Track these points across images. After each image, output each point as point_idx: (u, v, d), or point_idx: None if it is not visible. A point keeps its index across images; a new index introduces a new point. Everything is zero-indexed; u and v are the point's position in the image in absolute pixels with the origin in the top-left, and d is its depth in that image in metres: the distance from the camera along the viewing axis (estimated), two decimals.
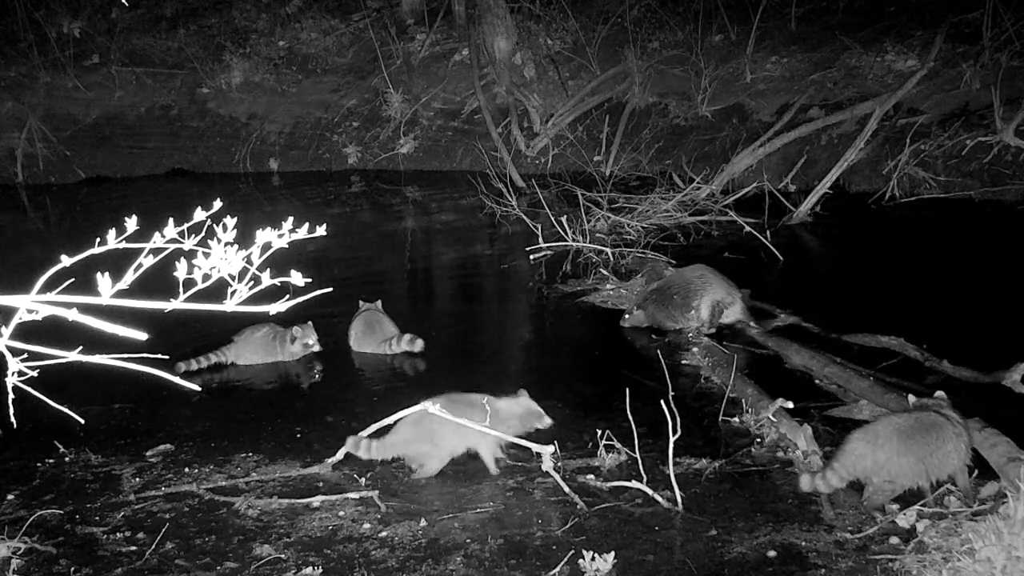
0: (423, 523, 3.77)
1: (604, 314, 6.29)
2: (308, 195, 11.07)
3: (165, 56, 13.22)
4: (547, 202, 8.37)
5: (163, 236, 1.69)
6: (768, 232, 7.42)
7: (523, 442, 4.00)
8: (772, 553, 3.41)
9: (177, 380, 1.89)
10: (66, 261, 1.65)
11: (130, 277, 1.64)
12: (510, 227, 8.57)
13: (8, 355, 1.70)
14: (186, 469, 4.42)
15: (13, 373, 1.73)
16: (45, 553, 3.69)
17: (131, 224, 1.69)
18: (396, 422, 4.19)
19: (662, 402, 3.94)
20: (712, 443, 4.38)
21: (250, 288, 1.70)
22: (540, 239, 7.48)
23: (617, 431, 4.25)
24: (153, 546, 3.68)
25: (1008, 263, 6.57)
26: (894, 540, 3.42)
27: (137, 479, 4.34)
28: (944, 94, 8.99)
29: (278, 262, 1.76)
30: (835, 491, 3.76)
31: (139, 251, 1.66)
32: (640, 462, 3.97)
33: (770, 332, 5.62)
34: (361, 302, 6.13)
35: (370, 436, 4.26)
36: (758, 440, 4.35)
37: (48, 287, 1.66)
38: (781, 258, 7.05)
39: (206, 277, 1.68)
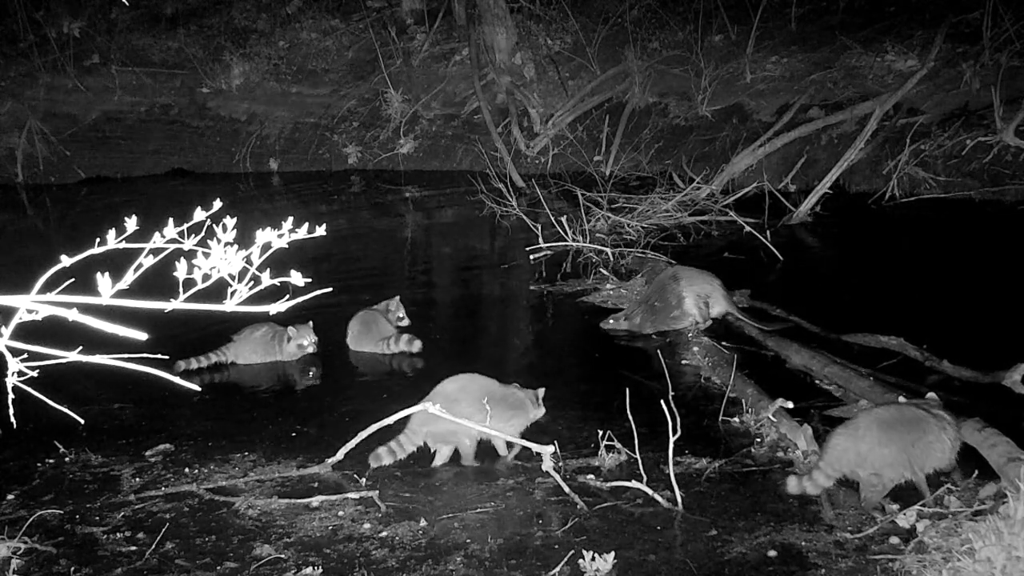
0: (423, 523, 3.77)
1: (604, 314, 6.29)
2: (308, 195, 11.07)
3: (165, 56, 13.22)
4: (547, 202, 8.37)
5: (163, 236, 1.69)
6: (768, 232, 7.42)
7: (523, 442, 4.00)
8: (772, 553, 3.41)
9: (177, 380, 1.89)
10: (66, 261, 1.65)
11: (130, 277, 1.64)
12: (510, 227, 8.57)
13: (8, 355, 1.70)
14: (186, 469, 4.42)
15: (13, 373, 1.73)
16: (45, 553, 3.69)
17: (131, 224, 1.69)
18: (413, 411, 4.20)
19: (662, 402, 3.94)
20: (712, 443, 4.38)
21: (250, 288, 1.70)
22: (540, 239, 7.48)
23: (617, 431, 4.25)
24: (153, 546, 3.68)
25: (1008, 263, 6.57)
26: (894, 540, 3.42)
27: (137, 479, 4.34)
28: (944, 94, 8.99)
29: (278, 262, 1.76)
30: (824, 491, 3.76)
31: (139, 251, 1.67)
32: (640, 462, 3.97)
33: (768, 330, 5.61)
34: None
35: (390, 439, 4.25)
36: (758, 440, 4.35)
37: (48, 287, 1.66)
38: (781, 258, 7.06)
39: (206, 277, 1.68)
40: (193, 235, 1.70)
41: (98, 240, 1.69)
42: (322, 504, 3.98)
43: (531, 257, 7.48)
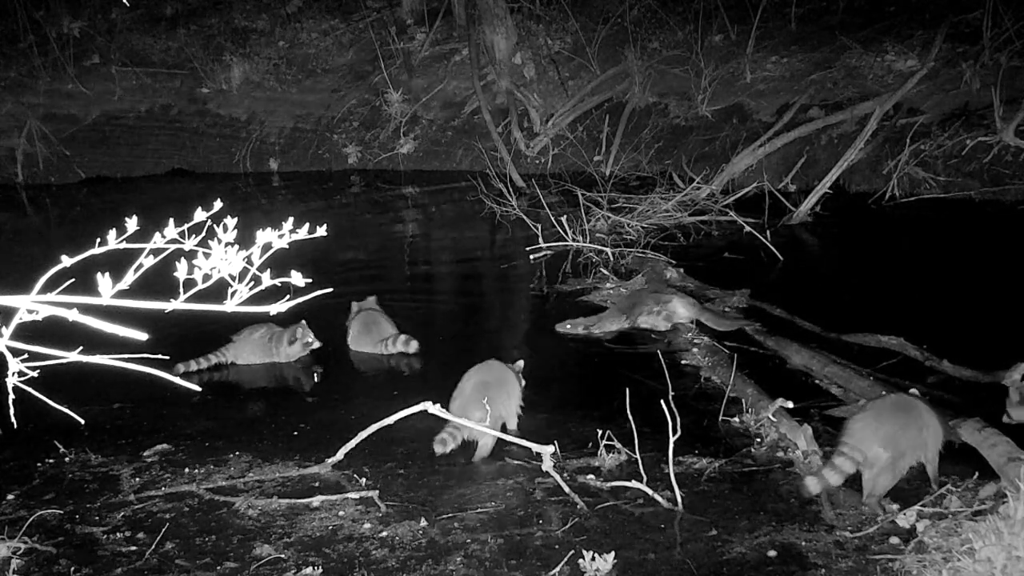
0: (423, 523, 3.77)
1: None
2: (308, 195, 11.07)
3: (165, 56, 13.22)
4: (547, 202, 8.37)
5: (163, 236, 1.69)
6: (768, 232, 7.43)
7: (523, 442, 4.00)
8: (772, 553, 3.41)
9: (177, 380, 1.89)
10: (66, 261, 1.65)
11: (130, 277, 1.64)
12: (510, 227, 8.57)
13: (8, 355, 1.70)
14: (186, 469, 4.42)
15: (13, 373, 1.73)
16: (45, 553, 3.69)
17: (131, 224, 1.69)
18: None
19: (662, 402, 3.94)
20: (712, 443, 4.38)
21: (250, 288, 1.70)
22: (540, 239, 7.48)
23: (617, 431, 4.25)
24: (153, 546, 3.68)
25: (1008, 263, 6.57)
26: (894, 540, 3.42)
27: (137, 479, 4.34)
28: (944, 94, 8.99)
29: (278, 262, 1.76)
30: (845, 480, 3.75)
31: (139, 251, 1.67)
32: (640, 462, 3.98)
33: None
34: (354, 304, 6.15)
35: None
36: (758, 440, 4.35)
37: (48, 287, 1.66)
38: (781, 258, 7.06)
39: (206, 277, 1.68)
40: (194, 235, 1.70)
41: (98, 240, 1.69)
42: (322, 504, 3.98)
43: (531, 257, 7.48)
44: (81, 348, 1.73)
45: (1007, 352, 4.73)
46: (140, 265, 1.64)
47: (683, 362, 5.38)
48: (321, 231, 1.80)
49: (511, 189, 9.08)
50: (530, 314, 6.57)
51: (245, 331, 5.90)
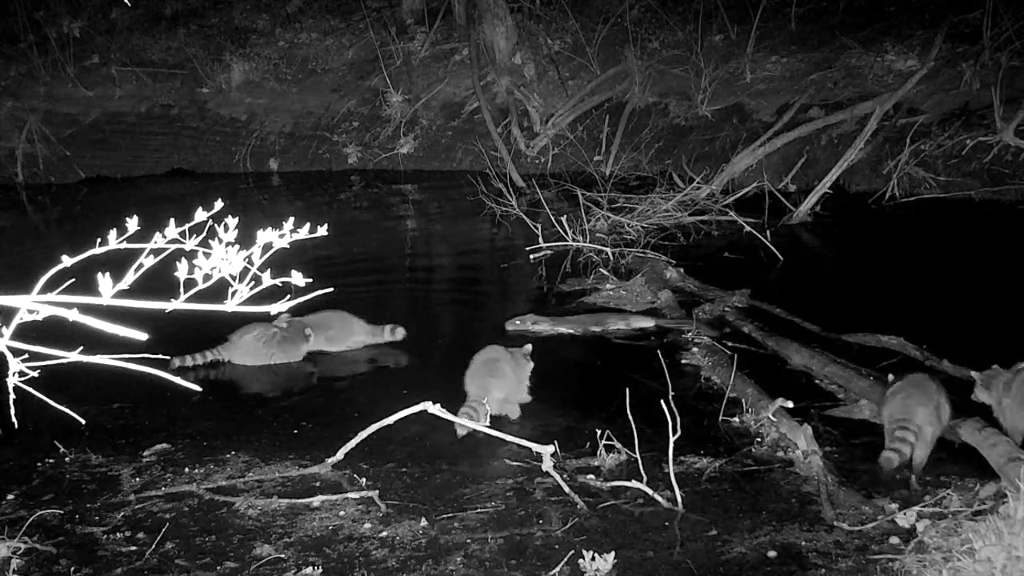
0: (423, 523, 3.77)
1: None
2: (308, 195, 11.08)
3: (165, 56, 13.22)
4: (547, 202, 8.37)
5: (164, 236, 1.69)
6: (768, 232, 7.43)
7: (523, 442, 4.00)
8: (772, 553, 3.41)
9: (178, 380, 1.89)
10: (67, 261, 1.65)
11: (131, 277, 1.64)
12: (510, 227, 8.57)
13: (9, 355, 1.70)
14: (186, 469, 4.42)
15: (14, 373, 1.73)
16: (45, 553, 3.69)
17: (132, 224, 1.69)
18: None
19: (662, 402, 3.94)
20: (712, 443, 4.38)
21: (251, 288, 1.70)
22: (540, 239, 7.48)
23: (617, 431, 4.25)
24: (153, 546, 3.68)
25: (1008, 263, 6.57)
26: (894, 540, 3.42)
27: (137, 479, 4.34)
28: (944, 94, 9.00)
29: (279, 262, 1.76)
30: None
31: (139, 251, 1.67)
32: (640, 462, 3.97)
33: (765, 328, 5.61)
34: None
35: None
36: (758, 440, 4.35)
37: (49, 287, 1.66)
38: (781, 258, 7.06)
39: (207, 277, 1.68)
40: (194, 235, 1.70)
41: (99, 240, 1.69)
42: (322, 504, 3.98)
43: (531, 257, 7.48)
44: (81, 348, 1.73)
45: (1007, 352, 4.73)
46: (140, 265, 1.64)
47: (683, 362, 5.38)
48: (321, 231, 1.80)
49: (511, 189, 9.08)
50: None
51: (239, 331, 5.88)
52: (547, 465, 3.92)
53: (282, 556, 3.58)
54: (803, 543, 3.46)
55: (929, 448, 4.00)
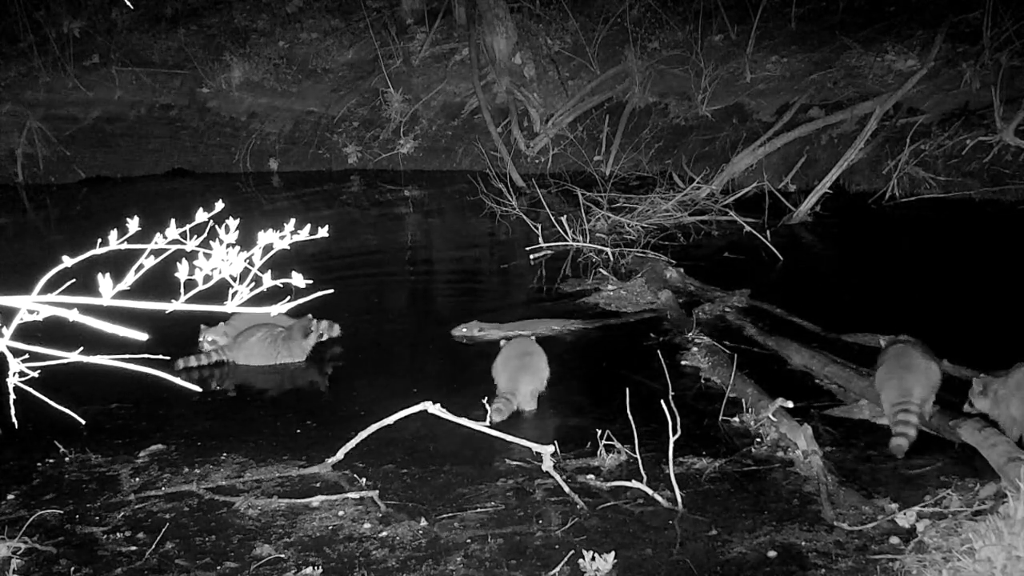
0: (423, 523, 3.77)
1: (604, 314, 6.30)
2: (308, 195, 11.07)
3: (165, 56, 13.21)
4: (547, 202, 8.37)
5: (164, 237, 1.69)
6: (768, 232, 7.43)
7: (523, 442, 4.01)
8: (772, 553, 3.41)
9: (178, 380, 1.89)
10: (67, 262, 1.65)
11: (131, 278, 1.64)
12: (510, 227, 8.57)
13: (9, 356, 1.70)
14: (186, 469, 4.42)
15: (14, 374, 1.73)
16: (45, 553, 3.69)
17: (132, 225, 1.69)
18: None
19: (662, 402, 3.94)
20: (712, 443, 4.38)
21: (251, 289, 1.70)
22: (540, 239, 7.48)
23: (617, 431, 4.25)
24: (153, 546, 3.68)
25: (1008, 263, 6.57)
26: (894, 540, 3.42)
27: (137, 479, 4.34)
28: (944, 94, 8.99)
29: (279, 262, 1.76)
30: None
31: (140, 252, 1.67)
32: (640, 462, 3.98)
33: (768, 332, 5.61)
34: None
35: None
36: (758, 440, 4.35)
37: (49, 288, 1.66)
38: (781, 258, 7.06)
39: (207, 278, 1.68)
40: (195, 236, 1.70)
41: (99, 240, 1.69)
42: (322, 504, 3.99)
43: (531, 257, 7.48)
44: (81, 348, 1.73)
45: (1007, 352, 4.73)
46: (141, 266, 1.64)
47: (683, 362, 5.38)
48: (322, 232, 1.80)
49: (511, 189, 9.08)
50: (529, 314, 6.55)
51: (244, 333, 5.89)
52: (547, 465, 3.92)
53: (282, 556, 3.58)
54: (803, 543, 3.47)
55: (931, 403, 4.30)
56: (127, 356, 1.74)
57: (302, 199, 10.94)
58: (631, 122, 10.40)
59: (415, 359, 5.83)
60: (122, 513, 4.01)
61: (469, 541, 3.62)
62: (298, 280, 1.72)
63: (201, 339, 5.88)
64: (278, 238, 1.75)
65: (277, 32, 13.18)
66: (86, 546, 3.75)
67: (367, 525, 3.79)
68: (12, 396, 1.76)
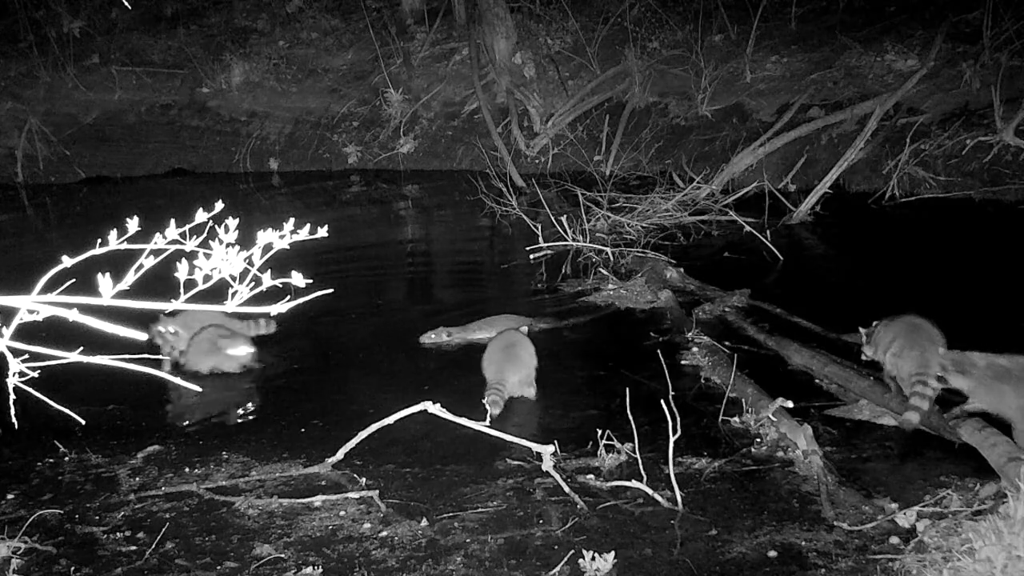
0: (423, 523, 3.77)
1: (604, 314, 6.30)
2: (308, 195, 11.08)
3: (165, 56, 13.22)
4: (547, 202, 8.37)
5: (164, 237, 1.70)
6: (768, 232, 7.43)
7: (523, 442, 4.01)
8: (772, 553, 3.41)
9: (177, 380, 1.89)
10: (67, 262, 1.65)
11: (131, 278, 1.64)
12: (510, 227, 8.57)
13: (9, 356, 1.70)
14: (186, 469, 4.42)
15: (14, 374, 1.73)
16: (45, 553, 3.69)
17: (132, 225, 1.69)
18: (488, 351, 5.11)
19: (662, 402, 3.94)
20: (712, 443, 4.38)
21: (251, 289, 1.70)
22: (540, 239, 7.48)
23: (617, 431, 4.25)
24: (153, 546, 3.68)
25: (1008, 263, 6.57)
26: (894, 540, 3.42)
27: (136, 479, 4.34)
28: (944, 94, 9.00)
29: (279, 262, 1.76)
30: None
31: (140, 252, 1.67)
32: (640, 462, 3.98)
33: (769, 333, 5.61)
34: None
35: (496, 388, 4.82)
36: (758, 440, 4.35)
37: (49, 287, 1.66)
38: (781, 258, 7.06)
39: (207, 278, 1.68)
40: (194, 236, 1.70)
41: (99, 241, 1.69)
42: (322, 504, 3.99)
43: (531, 257, 7.48)
44: (82, 348, 1.73)
45: (1007, 351, 4.73)
46: (140, 265, 1.64)
47: (683, 362, 5.38)
48: (322, 232, 1.80)
49: (511, 189, 9.09)
50: (530, 314, 6.55)
51: (197, 332, 5.56)
52: (547, 465, 3.92)
53: (282, 556, 3.58)
54: (803, 543, 3.46)
55: None
56: (127, 356, 1.74)
57: (302, 199, 10.94)
58: (631, 122, 10.40)
59: (415, 359, 5.83)
60: (122, 513, 4.01)
61: (469, 541, 3.62)
62: (297, 280, 1.72)
63: (163, 328, 5.54)
64: (278, 238, 1.75)
65: (277, 32, 13.18)
66: (86, 546, 3.75)
67: (367, 525, 3.79)
68: (12, 396, 1.76)
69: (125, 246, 1.69)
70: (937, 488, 3.77)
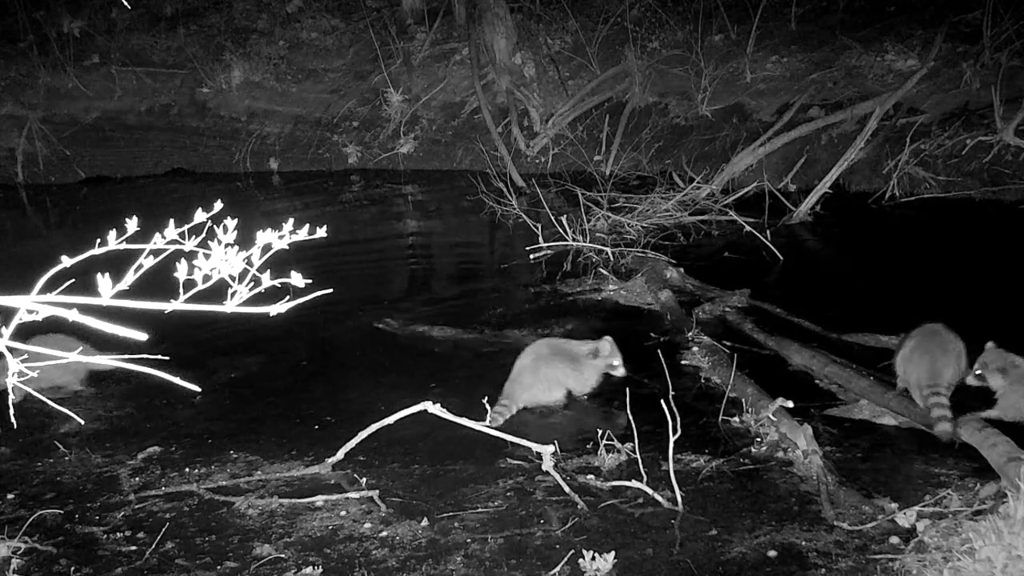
0: (424, 523, 3.77)
1: (604, 314, 6.30)
2: (308, 195, 11.07)
3: (165, 56, 13.21)
4: (547, 202, 8.37)
5: (163, 237, 1.70)
6: (768, 232, 7.42)
7: (523, 442, 4.01)
8: (772, 553, 3.41)
9: (177, 380, 1.89)
10: (66, 262, 1.65)
11: (130, 278, 1.64)
12: (510, 227, 8.57)
13: (8, 355, 1.70)
14: (186, 469, 4.42)
15: (13, 374, 1.73)
16: (45, 553, 3.69)
17: (131, 225, 1.69)
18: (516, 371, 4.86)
19: (662, 402, 3.94)
20: (712, 443, 4.38)
21: (250, 289, 1.70)
22: (540, 239, 7.48)
23: (617, 431, 4.25)
24: (153, 546, 3.69)
25: (1008, 263, 6.57)
26: (894, 540, 3.42)
27: (136, 479, 4.34)
28: (944, 94, 8.99)
29: (279, 262, 1.76)
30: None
31: (139, 252, 1.67)
32: (640, 462, 3.98)
33: (769, 333, 5.61)
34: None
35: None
36: (758, 440, 4.35)
37: (48, 287, 1.66)
38: (781, 258, 7.06)
39: (206, 278, 1.68)
40: (194, 236, 1.70)
41: (99, 241, 1.69)
42: (323, 504, 3.99)
43: (531, 257, 7.48)
44: (81, 348, 1.73)
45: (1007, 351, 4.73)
46: (140, 265, 1.64)
47: (683, 362, 5.37)
48: (321, 232, 1.80)
49: (511, 189, 9.08)
50: (530, 314, 6.56)
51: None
52: (547, 465, 3.92)
53: (282, 556, 3.58)
54: (803, 543, 3.47)
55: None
56: (127, 356, 1.74)
57: (302, 199, 10.94)
58: (631, 122, 10.40)
59: (415, 359, 5.83)
60: (122, 513, 4.01)
61: (469, 541, 3.63)
62: (297, 280, 1.72)
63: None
64: (277, 238, 1.75)
65: (277, 32, 13.18)
66: (86, 546, 3.75)
67: (367, 525, 3.79)
68: (11, 396, 1.76)
69: (124, 246, 1.69)
70: (937, 488, 3.77)
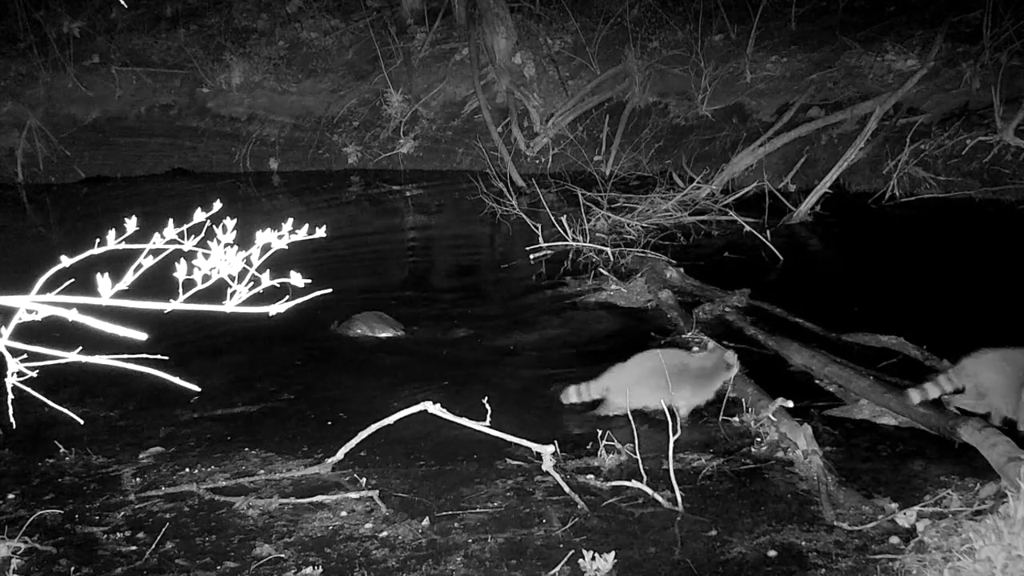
0: (424, 523, 3.77)
1: (604, 314, 6.30)
2: (308, 195, 11.07)
3: (165, 56, 13.21)
4: (547, 202, 8.37)
5: (163, 237, 1.69)
6: (768, 232, 7.43)
7: (523, 442, 4.00)
8: (772, 553, 3.41)
9: (177, 380, 1.89)
10: (66, 261, 1.65)
11: (130, 278, 1.64)
12: (510, 227, 8.57)
13: (8, 355, 1.70)
14: (186, 469, 4.42)
15: (13, 374, 1.73)
16: (45, 553, 3.69)
17: (131, 225, 1.69)
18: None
19: (662, 402, 3.94)
20: (712, 443, 4.38)
21: (250, 289, 1.70)
22: (540, 239, 7.48)
23: (617, 431, 4.25)
24: (153, 546, 3.68)
25: (1008, 263, 6.57)
26: (894, 540, 3.42)
27: (137, 479, 4.34)
28: (944, 94, 8.99)
29: (278, 262, 1.76)
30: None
31: (139, 251, 1.67)
32: (640, 462, 3.98)
33: (769, 333, 5.61)
34: None
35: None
36: (758, 440, 4.35)
37: (48, 287, 1.66)
38: (781, 258, 7.06)
39: (206, 278, 1.68)
40: (193, 236, 1.70)
41: (98, 240, 1.69)
42: (323, 504, 3.99)
43: (531, 257, 7.48)
44: (81, 348, 1.73)
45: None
46: (139, 265, 1.64)
47: None
48: (320, 232, 1.80)
49: (511, 189, 9.08)
50: (530, 314, 6.56)
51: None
52: (547, 465, 3.92)
53: (282, 556, 3.58)
54: (803, 543, 3.46)
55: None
56: (127, 356, 1.74)
57: (302, 199, 10.94)
58: (631, 122, 10.40)
59: (415, 359, 5.83)
60: (122, 513, 4.01)
61: (469, 541, 3.62)
62: (296, 280, 1.72)
63: None
64: (276, 238, 1.75)
65: (277, 32, 13.17)
66: (86, 546, 3.75)
67: (367, 525, 3.79)
68: (11, 396, 1.76)
69: (124, 246, 1.69)
70: (937, 488, 3.77)
